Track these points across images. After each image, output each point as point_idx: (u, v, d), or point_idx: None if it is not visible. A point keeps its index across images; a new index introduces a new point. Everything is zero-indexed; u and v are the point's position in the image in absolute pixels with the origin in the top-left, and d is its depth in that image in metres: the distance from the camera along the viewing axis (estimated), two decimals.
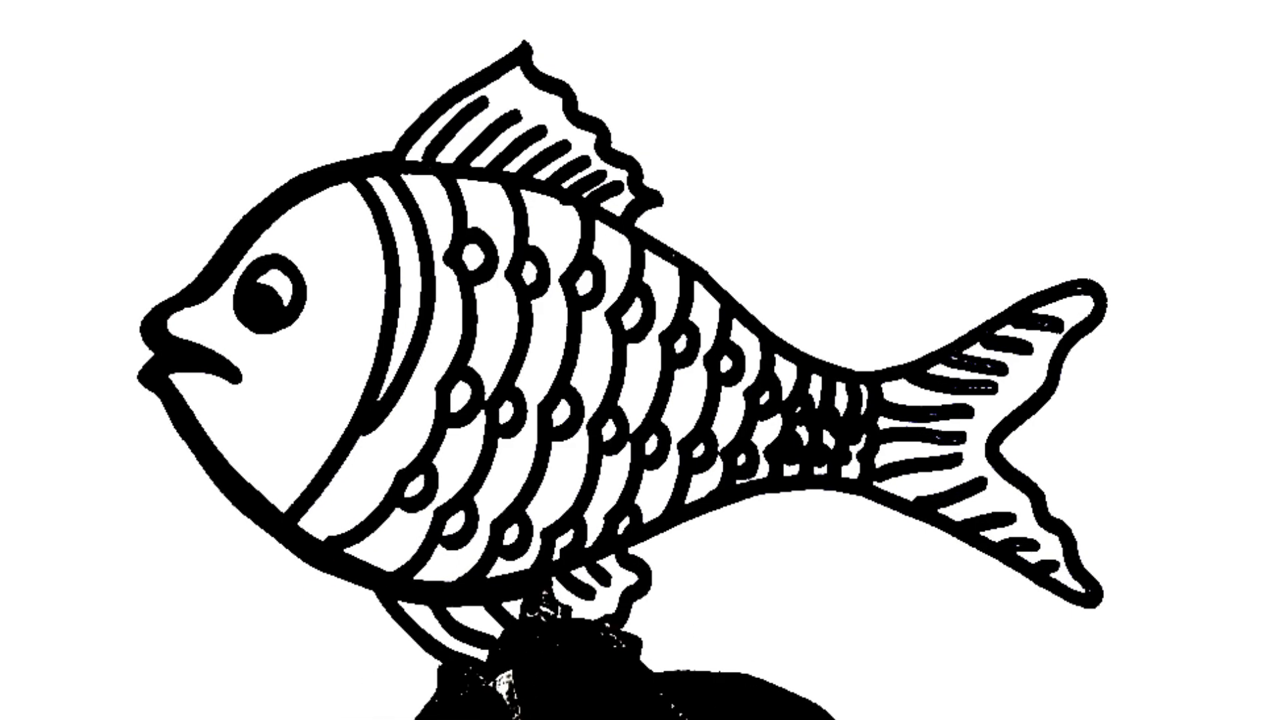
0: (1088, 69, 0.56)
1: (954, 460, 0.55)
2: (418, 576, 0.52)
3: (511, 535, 0.52)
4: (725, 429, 0.54)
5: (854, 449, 0.55)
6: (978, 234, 0.55)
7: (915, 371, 0.55)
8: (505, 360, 0.52)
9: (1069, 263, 0.55)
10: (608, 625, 0.37)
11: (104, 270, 0.52)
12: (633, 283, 0.54)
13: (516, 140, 0.54)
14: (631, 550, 0.54)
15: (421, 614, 0.52)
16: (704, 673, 0.37)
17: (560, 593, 0.53)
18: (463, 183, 0.53)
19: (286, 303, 0.51)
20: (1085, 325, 0.54)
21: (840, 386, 0.55)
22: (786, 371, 0.55)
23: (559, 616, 0.44)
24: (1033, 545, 0.54)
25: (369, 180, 0.52)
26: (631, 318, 0.54)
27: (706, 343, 0.54)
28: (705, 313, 0.55)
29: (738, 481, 0.54)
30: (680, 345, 0.54)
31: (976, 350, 0.55)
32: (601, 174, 0.54)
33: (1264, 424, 0.55)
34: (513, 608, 0.51)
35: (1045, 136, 0.56)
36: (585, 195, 0.54)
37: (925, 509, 0.55)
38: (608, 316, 0.53)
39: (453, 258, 0.52)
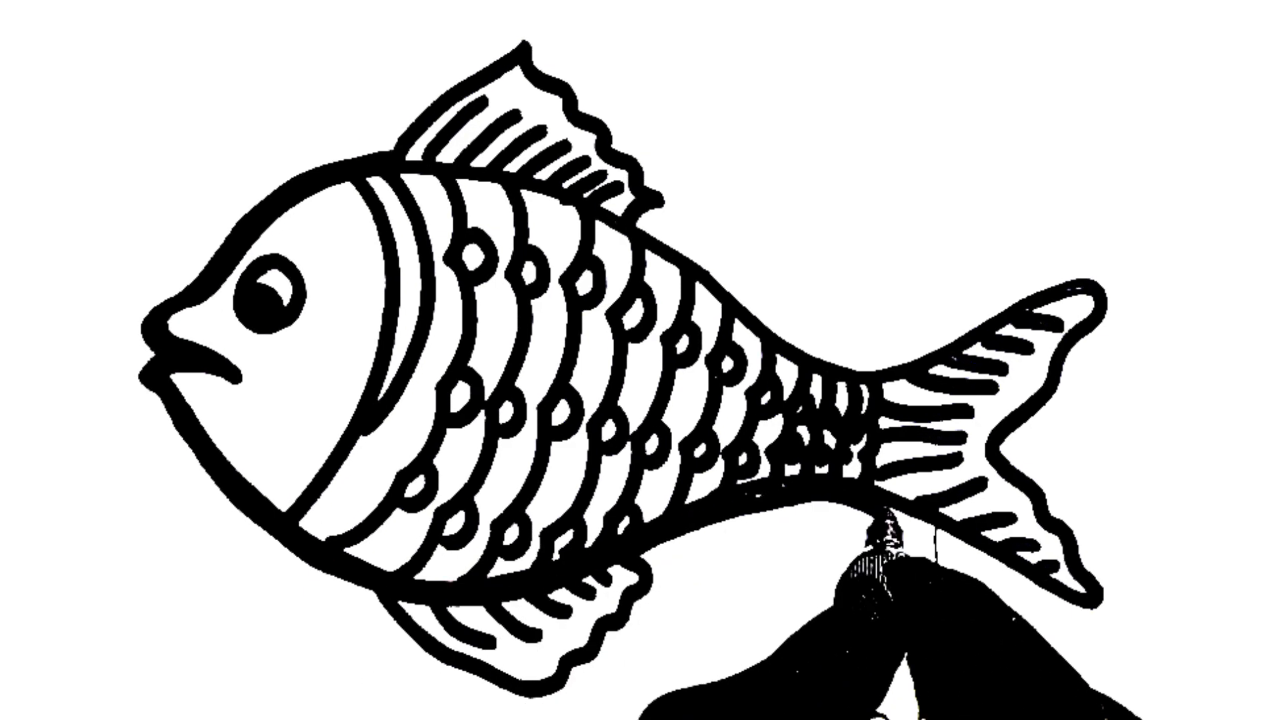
0: (1088, 69, 0.56)
1: (954, 460, 0.55)
2: (418, 576, 0.52)
3: (511, 535, 0.52)
4: (727, 429, 0.54)
5: (855, 448, 0.55)
6: (978, 234, 0.55)
7: (916, 371, 0.55)
8: (505, 360, 0.52)
9: (1069, 263, 0.55)
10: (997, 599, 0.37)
11: (104, 270, 0.53)
12: (633, 283, 0.54)
13: (516, 140, 0.54)
14: None
15: (421, 614, 0.52)
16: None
17: (565, 594, 0.53)
18: (463, 183, 0.53)
19: (286, 303, 0.51)
20: (1085, 325, 0.54)
21: (841, 386, 0.55)
22: (788, 371, 0.55)
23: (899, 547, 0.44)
24: (1033, 545, 0.54)
25: (369, 180, 0.52)
26: (632, 318, 0.54)
27: (708, 343, 0.54)
28: (707, 313, 0.55)
29: (739, 481, 0.54)
30: (682, 345, 0.54)
31: (977, 350, 0.55)
32: (602, 174, 0.54)
33: (1264, 424, 0.55)
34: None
35: (1045, 136, 0.56)
36: (585, 195, 0.54)
37: (925, 509, 0.55)
38: (608, 316, 0.53)
39: (453, 258, 0.52)
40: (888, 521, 0.48)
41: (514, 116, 0.54)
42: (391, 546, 0.52)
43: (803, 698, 0.31)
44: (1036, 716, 0.29)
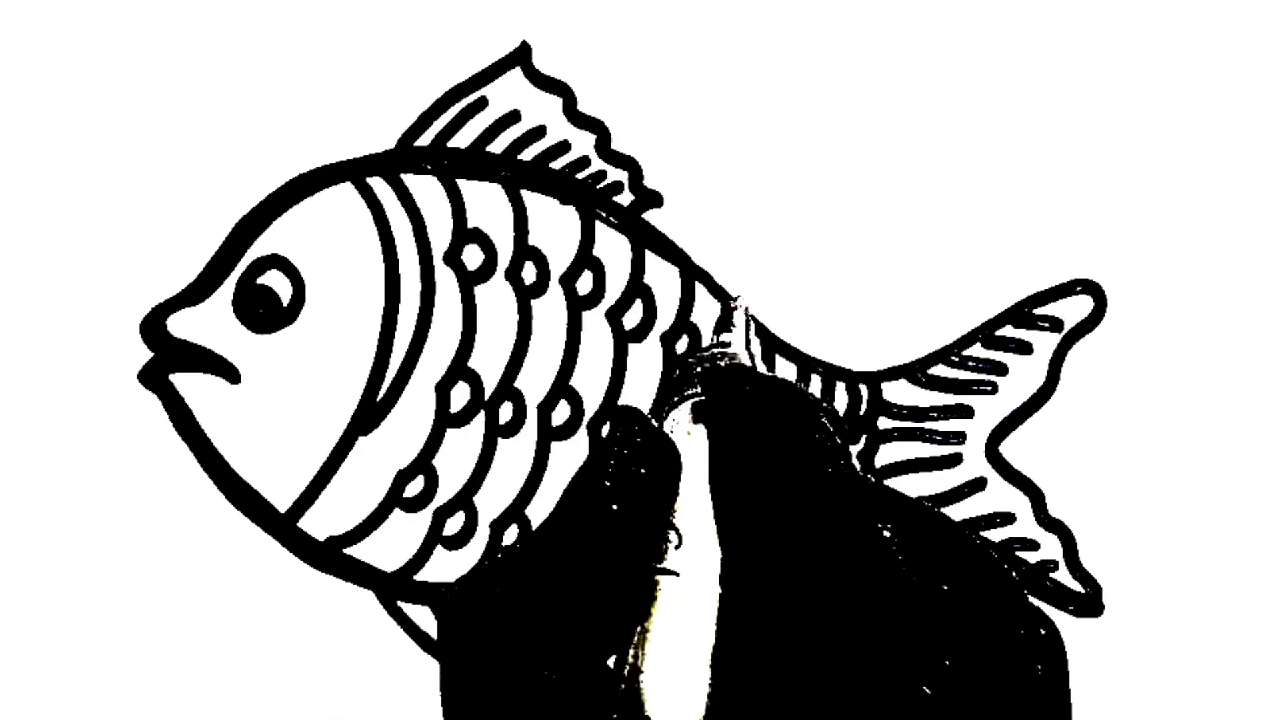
0: (1088, 69, 0.56)
1: (954, 460, 0.55)
2: (418, 576, 0.52)
3: (511, 535, 0.52)
4: None
5: (854, 449, 0.55)
6: (978, 234, 0.55)
7: (915, 371, 0.55)
8: (505, 360, 0.52)
9: (1069, 263, 0.55)
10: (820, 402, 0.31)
11: (104, 270, 0.52)
12: (633, 283, 0.54)
13: (517, 140, 0.54)
14: None
15: (421, 614, 0.52)
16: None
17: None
18: (463, 182, 0.53)
19: (286, 303, 0.51)
20: (1085, 325, 0.55)
21: (840, 386, 0.55)
22: (787, 371, 0.55)
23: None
24: (1033, 545, 0.54)
25: (369, 180, 0.52)
26: (632, 318, 0.54)
27: (707, 343, 0.54)
28: (706, 313, 0.55)
29: None
30: (681, 346, 0.54)
31: (976, 350, 0.55)
32: (602, 174, 0.54)
33: (1264, 424, 0.55)
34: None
35: (1045, 136, 0.56)
36: (585, 195, 0.54)
37: None
38: (608, 316, 0.53)
39: (452, 258, 0.52)
40: (733, 308, 0.42)
41: (514, 117, 0.54)
42: (391, 546, 0.52)
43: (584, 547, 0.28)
44: (830, 535, 0.26)
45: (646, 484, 0.29)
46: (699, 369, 0.34)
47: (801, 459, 0.28)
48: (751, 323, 0.41)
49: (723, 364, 0.33)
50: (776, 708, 0.25)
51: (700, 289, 0.55)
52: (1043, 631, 0.29)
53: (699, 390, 0.33)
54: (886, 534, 0.27)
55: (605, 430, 0.33)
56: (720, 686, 0.26)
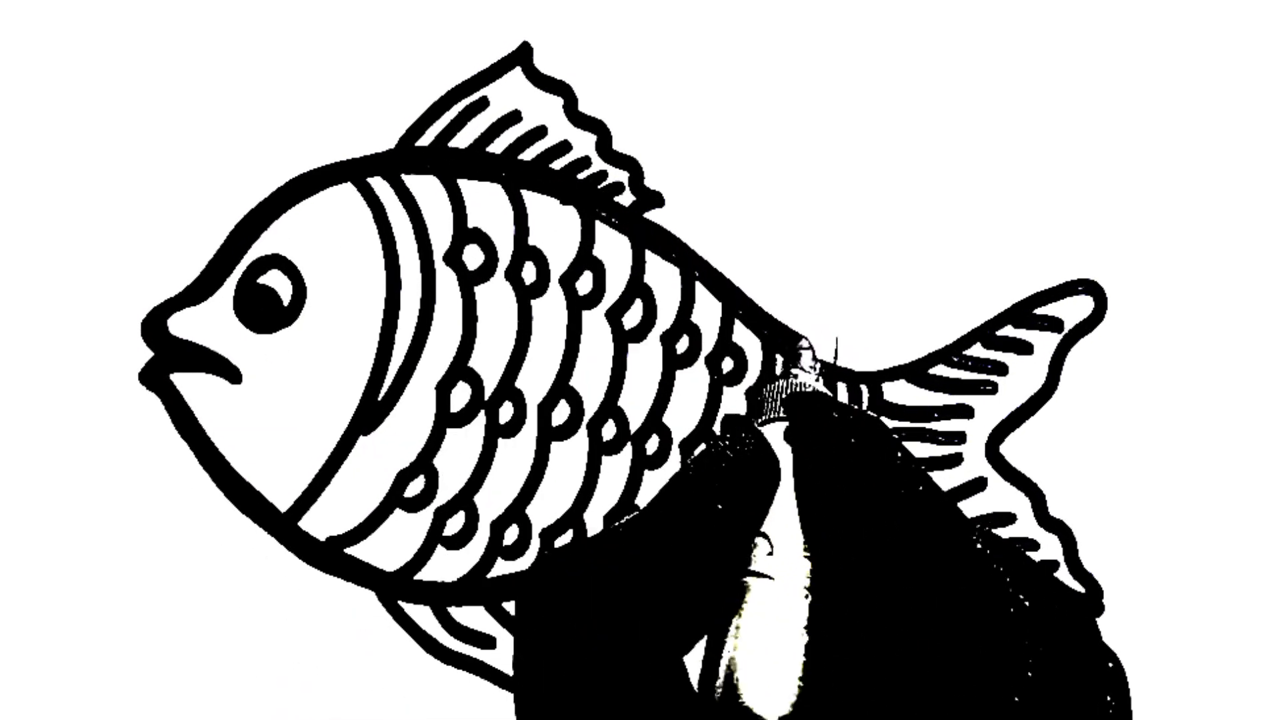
0: (1088, 70, 0.56)
1: (954, 460, 0.55)
2: (418, 576, 0.52)
3: (511, 535, 0.52)
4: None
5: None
6: (978, 234, 0.55)
7: (915, 371, 0.55)
8: (505, 360, 0.52)
9: (1069, 263, 0.55)
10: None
11: (104, 270, 0.52)
12: (633, 283, 0.54)
13: (517, 140, 0.54)
14: None
15: (421, 614, 0.52)
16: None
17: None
18: (463, 182, 0.53)
19: (286, 303, 0.51)
20: (1085, 325, 0.55)
21: (841, 386, 0.55)
22: None
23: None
24: (1033, 545, 0.54)
25: (369, 180, 0.52)
26: (632, 318, 0.54)
27: (708, 343, 0.54)
28: (707, 313, 0.55)
29: None
30: (682, 346, 0.54)
31: (977, 350, 0.55)
32: (602, 174, 0.54)
33: (1263, 424, 0.55)
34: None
35: (1045, 137, 0.56)
36: (585, 196, 0.54)
37: None
38: (608, 316, 0.53)
39: (453, 258, 0.52)
40: (801, 349, 0.47)
41: (515, 117, 0.54)
42: (391, 546, 0.52)
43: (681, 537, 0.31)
44: (912, 547, 0.29)
45: (749, 490, 0.32)
46: (781, 397, 0.37)
47: (887, 479, 0.31)
48: (819, 364, 0.45)
49: (804, 392, 0.37)
50: (864, 701, 0.27)
51: (701, 290, 0.55)
52: (1109, 663, 0.32)
53: (783, 414, 0.36)
54: (979, 545, 0.29)
55: (713, 438, 0.36)
56: (812, 680, 0.28)
